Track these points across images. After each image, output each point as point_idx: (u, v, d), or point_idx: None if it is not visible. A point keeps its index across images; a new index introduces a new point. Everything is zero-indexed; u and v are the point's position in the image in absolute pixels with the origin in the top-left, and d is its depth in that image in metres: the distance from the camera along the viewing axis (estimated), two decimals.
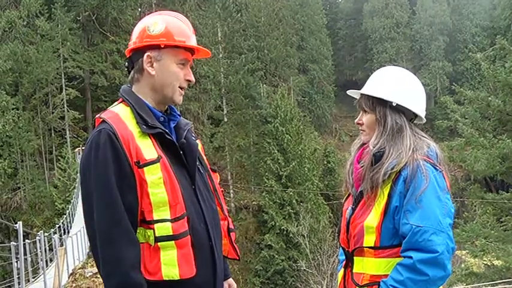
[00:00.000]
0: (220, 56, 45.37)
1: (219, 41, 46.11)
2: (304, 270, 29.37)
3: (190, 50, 2.18)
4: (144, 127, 2.04)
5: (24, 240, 15.43)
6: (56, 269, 14.32)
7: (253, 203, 41.85)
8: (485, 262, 15.06)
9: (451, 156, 16.31)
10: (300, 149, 40.10)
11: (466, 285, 13.59)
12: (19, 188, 36.05)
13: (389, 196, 2.21)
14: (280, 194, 38.45)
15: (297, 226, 34.77)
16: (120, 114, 2.08)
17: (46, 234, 15.88)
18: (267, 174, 39.34)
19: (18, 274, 11.67)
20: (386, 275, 2.20)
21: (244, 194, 44.00)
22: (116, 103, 2.20)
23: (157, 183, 1.99)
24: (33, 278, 17.58)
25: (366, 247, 2.27)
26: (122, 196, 1.94)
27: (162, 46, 2.10)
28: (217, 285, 2.16)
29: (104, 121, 2.05)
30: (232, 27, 46.73)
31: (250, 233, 41.26)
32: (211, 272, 2.12)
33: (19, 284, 12.29)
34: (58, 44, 38.91)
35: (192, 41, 2.17)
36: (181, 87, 2.19)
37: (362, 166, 2.35)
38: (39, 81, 37.76)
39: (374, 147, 2.30)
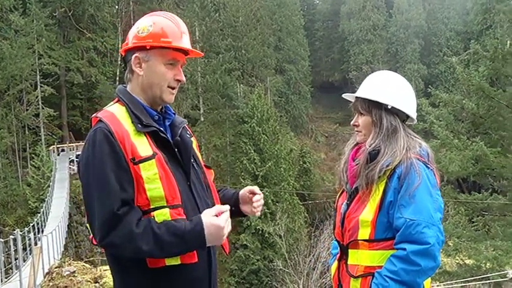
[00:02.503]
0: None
1: (197, 40, 45.95)
2: (281, 269, 29.50)
3: (182, 50, 2.23)
4: (139, 126, 2.10)
5: None
6: (32, 268, 14.15)
7: None
8: (457, 261, 15.36)
9: None
10: (276, 149, 40.23)
11: (440, 283, 13.84)
12: None
13: (384, 192, 2.36)
14: None
15: (273, 226, 34.86)
16: (116, 114, 2.14)
17: (21, 233, 15.68)
18: (243, 174, 39.38)
19: None
20: (380, 266, 2.33)
21: None
22: (111, 102, 2.26)
23: (153, 179, 2.04)
24: (6, 278, 17.32)
25: (360, 240, 2.41)
26: (122, 189, 2.00)
27: (148, 47, 2.16)
28: (212, 275, 2.24)
29: (100, 120, 2.10)
30: (210, 26, 46.63)
31: None
32: (206, 265, 2.20)
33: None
34: (33, 40, 38.31)
35: (182, 42, 2.21)
36: (171, 87, 2.23)
37: (357, 164, 2.49)
38: (13, 77, 37.08)
39: (370, 146, 2.45)
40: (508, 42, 16.17)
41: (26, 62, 37.00)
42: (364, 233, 2.39)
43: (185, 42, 2.23)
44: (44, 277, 14.20)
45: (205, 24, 45.92)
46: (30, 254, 16.55)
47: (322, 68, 70.65)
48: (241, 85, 48.13)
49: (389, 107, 2.47)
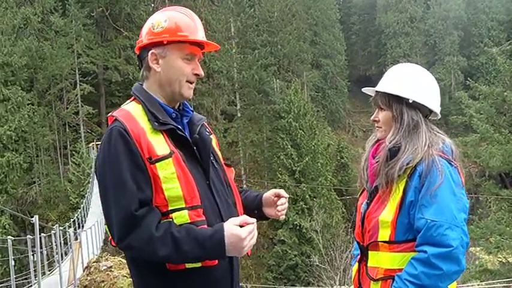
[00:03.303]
0: (234, 51, 45.35)
1: (232, 36, 46.10)
2: (317, 265, 29.34)
3: (198, 44, 2.18)
4: (156, 124, 2.06)
5: (39, 234, 15.67)
6: (71, 263, 14.44)
7: None
8: (499, 259, 14.95)
9: (465, 152, 16.17)
10: (313, 144, 40.01)
11: (480, 282, 13.49)
12: (34, 182, 36.40)
13: (405, 191, 2.24)
14: (293, 189, 38.41)
15: (310, 221, 34.73)
16: (132, 112, 2.10)
17: (61, 228, 16.02)
18: (280, 169, 39.33)
19: (35, 267, 11.80)
20: (400, 269, 2.22)
21: (257, 189, 43.93)
22: (128, 101, 2.22)
23: (170, 178, 2.00)
24: (49, 270, 17.76)
25: (380, 241, 2.30)
26: (139, 189, 1.96)
27: (165, 42, 2.12)
28: (234, 276, 2.18)
29: (116, 119, 2.07)
30: (245, 22, 46.69)
31: (263, 228, 41.29)
32: (228, 265, 2.14)
33: (35, 277, 12.44)
34: (72, 40, 39.18)
35: (198, 35, 2.17)
36: (190, 82, 2.19)
37: (377, 161, 2.38)
38: (53, 76, 38.06)
39: (390, 142, 2.33)
40: None
41: (66, 61, 37.90)
42: (384, 234, 2.28)
43: (201, 36, 2.18)
44: (83, 271, 14.48)
45: (240, 20, 45.97)
46: (70, 249, 16.89)
47: (358, 62, 69.94)
48: (278, 80, 48.03)
49: (410, 101, 2.35)
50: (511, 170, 15.64)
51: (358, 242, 2.50)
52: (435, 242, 2.12)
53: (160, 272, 2.02)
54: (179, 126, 2.13)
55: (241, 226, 1.98)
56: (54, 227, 15.19)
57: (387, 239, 2.27)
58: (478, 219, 18.96)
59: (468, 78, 22.65)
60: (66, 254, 17.68)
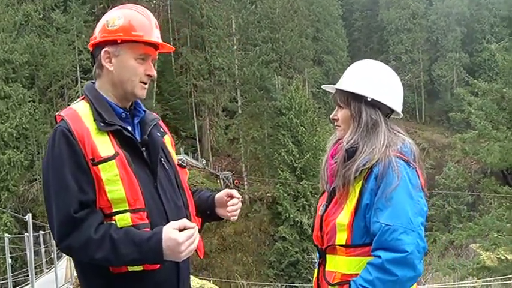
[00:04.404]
0: (235, 47, 45.36)
1: (234, 33, 46.07)
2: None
3: (153, 45, 2.14)
4: (101, 124, 2.02)
5: (38, 231, 15.68)
6: (68, 260, 14.46)
7: (268, 194, 41.92)
8: (498, 256, 14.91)
9: (464, 149, 16.15)
10: (314, 140, 40.01)
11: (478, 279, 13.47)
12: (35, 179, 36.48)
13: (361, 193, 2.15)
14: (294, 186, 38.47)
15: (310, 218, 34.74)
16: (79, 111, 2.06)
17: None
18: (281, 166, 39.36)
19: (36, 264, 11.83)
20: (357, 274, 2.14)
21: (258, 185, 44.07)
22: (78, 99, 2.18)
23: (113, 181, 1.96)
24: (47, 269, 17.81)
25: (337, 245, 2.22)
26: (81, 191, 1.93)
27: (119, 41, 2.07)
28: (180, 281, 2.14)
29: (62, 119, 2.03)
30: (246, 18, 46.65)
31: (265, 224, 41.37)
32: (175, 268, 2.10)
33: (36, 274, 12.47)
34: (73, 37, 39.22)
35: (153, 36, 2.12)
36: (143, 82, 2.14)
37: (335, 162, 2.29)
38: (54, 73, 38.12)
39: (347, 143, 2.25)
40: None
41: (67, 58, 37.96)
42: (341, 237, 2.20)
43: (156, 36, 2.14)
44: None
45: (241, 17, 45.95)
46: None
47: (361, 58, 66.32)
48: (279, 77, 48.03)
49: (369, 99, 2.25)
50: (509, 167, 15.57)
51: (316, 246, 2.41)
52: (389, 246, 2.03)
53: (103, 274, 1.99)
54: (127, 127, 2.08)
55: (181, 230, 1.92)
56: None
57: (344, 243, 2.20)
58: (479, 216, 18.97)
59: (467, 75, 22.57)
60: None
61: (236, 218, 2.40)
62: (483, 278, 13.32)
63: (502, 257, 14.75)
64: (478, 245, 17.31)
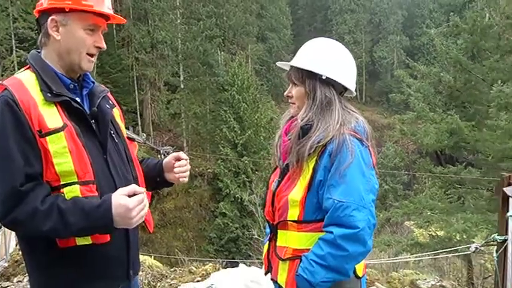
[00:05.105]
0: (178, 21, 44.63)
1: (177, 6, 45.28)
2: (256, 238, 29.71)
3: (103, 16, 2.05)
4: (49, 95, 1.94)
5: None
6: (2, 237, 13.97)
7: (209, 170, 41.85)
8: (430, 233, 15.52)
9: (402, 129, 16.60)
10: (256, 117, 40.15)
11: (411, 254, 13.99)
12: None
13: (314, 170, 2.17)
14: (235, 162, 38.56)
15: (250, 195, 35.01)
16: (24, 81, 1.96)
17: None
18: (222, 142, 39.33)
19: None
20: (308, 249, 2.18)
21: (199, 161, 43.90)
22: (22, 69, 2.08)
23: (61, 153, 1.89)
24: None
25: (289, 221, 2.24)
26: (27, 163, 1.85)
27: (67, 10, 1.98)
28: (130, 254, 2.12)
29: (5, 89, 1.93)
30: None
31: (205, 200, 41.38)
32: (124, 241, 2.08)
33: None
34: (7, 3, 37.34)
35: (104, 6, 2.04)
36: (90, 54, 2.06)
37: (289, 139, 2.30)
38: None
39: (302, 120, 2.26)
40: (487, 15, 16.08)
41: (0, 25, 36.14)
42: (293, 213, 2.22)
43: (107, 7, 2.05)
44: (16, 245, 14.06)
45: None
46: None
47: (304, 36, 70.05)
48: (222, 53, 47.74)
49: (324, 77, 2.26)
50: (443, 148, 16.15)
51: (267, 221, 2.44)
52: (342, 222, 2.07)
53: (51, 248, 1.93)
54: (76, 98, 2.01)
55: (131, 196, 1.88)
56: None
57: (296, 219, 2.22)
58: (414, 195, 19.58)
59: (407, 58, 23.15)
60: None
61: (186, 179, 2.38)
62: (415, 253, 13.85)
63: (433, 234, 15.38)
64: (412, 222, 17.91)
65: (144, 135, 45.54)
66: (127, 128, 43.66)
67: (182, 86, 44.92)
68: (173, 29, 43.79)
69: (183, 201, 40.41)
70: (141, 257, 10.87)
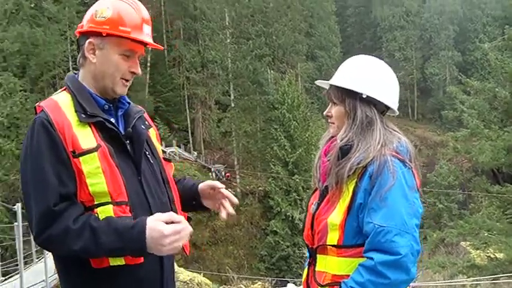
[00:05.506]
0: (228, 41, 45.25)
1: (227, 26, 45.95)
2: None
3: (140, 41, 2.06)
4: (83, 116, 1.96)
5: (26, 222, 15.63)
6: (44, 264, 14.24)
7: (259, 188, 41.95)
8: (488, 255, 14.95)
9: (456, 147, 16.20)
10: (306, 135, 40.10)
11: (468, 277, 13.51)
12: None
13: (354, 193, 2.09)
14: (286, 181, 38.53)
15: (302, 213, 34.85)
16: (60, 102, 2.00)
17: None
18: (273, 160, 39.41)
19: (25, 254, 11.80)
20: (348, 276, 2.09)
21: (250, 179, 44.09)
22: (59, 90, 2.12)
23: (94, 173, 1.90)
24: (37, 258, 17.75)
25: (329, 245, 2.16)
26: (61, 183, 1.88)
27: (104, 34, 2.00)
28: (164, 277, 2.09)
29: (42, 110, 1.97)
30: (240, 12, 46.55)
31: (256, 218, 41.42)
32: (158, 264, 2.05)
33: (25, 264, 12.40)
34: (65, 27, 38.91)
35: (143, 32, 2.05)
36: (125, 79, 2.07)
37: (329, 160, 2.23)
38: (46, 63, 37.84)
39: (341, 140, 2.19)
40: None
41: (59, 48, 37.67)
42: (332, 237, 2.13)
43: (146, 33, 2.06)
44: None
45: (235, 10, 45.85)
46: None
47: (354, 54, 66.53)
48: (272, 71, 48.00)
49: (364, 96, 2.18)
50: (500, 166, 15.63)
51: (307, 245, 2.35)
52: (383, 248, 1.98)
53: (84, 269, 1.93)
54: (110, 119, 2.03)
55: (168, 224, 1.86)
56: None
57: (335, 243, 2.14)
58: (470, 214, 19.06)
59: (459, 73, 22.67)
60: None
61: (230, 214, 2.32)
62: (473, 276, 13.35)
63: (492, 256, 14.81)
64: (468, 243, 17.36)
65: (196, 153, 46.14)
66: (178, 146, 44.48)
67: (233, 105, 45.37)
68: (223, 49, 44.42)
69: (234, 218, 40.52)
70: (191, 274, 10.95)
